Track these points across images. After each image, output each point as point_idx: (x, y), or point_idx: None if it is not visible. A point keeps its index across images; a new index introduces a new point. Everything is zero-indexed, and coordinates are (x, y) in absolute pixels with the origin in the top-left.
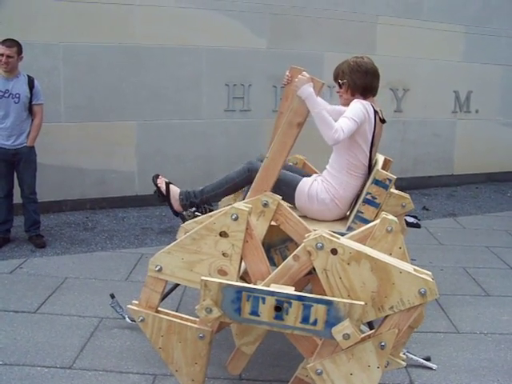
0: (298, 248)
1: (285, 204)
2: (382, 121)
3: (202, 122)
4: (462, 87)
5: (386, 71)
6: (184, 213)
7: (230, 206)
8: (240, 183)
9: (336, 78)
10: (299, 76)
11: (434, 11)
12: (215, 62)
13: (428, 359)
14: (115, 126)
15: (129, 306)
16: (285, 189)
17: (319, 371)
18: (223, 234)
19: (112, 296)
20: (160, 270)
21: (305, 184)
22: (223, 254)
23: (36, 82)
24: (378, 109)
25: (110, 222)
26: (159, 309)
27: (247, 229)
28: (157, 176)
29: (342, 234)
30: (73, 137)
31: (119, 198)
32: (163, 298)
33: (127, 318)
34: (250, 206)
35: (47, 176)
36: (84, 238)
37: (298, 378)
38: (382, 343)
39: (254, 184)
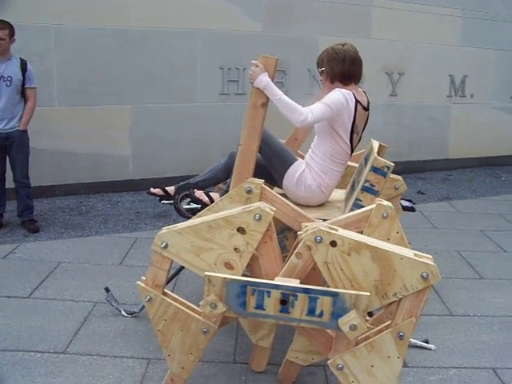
0: (299, 245)
1: (267, 188)
2: (366, 109)
3: (197, 105)
4: (458, 71)
5: (381, 55)
6: (180, 204)
7: (255, 205)
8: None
9: (318, 66)
10: (252, 68)
11: None
12: (210, 46)
13: (426, 342)
14: (109, 110)
15: (138, 282)
16: (277, 162)
17: (340, 366)
18: (241, 230)
19: (107, 290)
20: (166, 246)
21: (297, 167)
22: (235, 249)
23: (29, 65)
24: (359, 97)
25: (104, 206)
26: (166, 291)
27: (268, 230)
28: (192, 191)
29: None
30: (66, 121)
31: (113, 183)
32: (168, 280)
33: (123, 312)
34: (275, 209)
35: (40, 160)
36: (78, 222)
37: (289, 361)
38: (401, 333)
39: (234, 174)
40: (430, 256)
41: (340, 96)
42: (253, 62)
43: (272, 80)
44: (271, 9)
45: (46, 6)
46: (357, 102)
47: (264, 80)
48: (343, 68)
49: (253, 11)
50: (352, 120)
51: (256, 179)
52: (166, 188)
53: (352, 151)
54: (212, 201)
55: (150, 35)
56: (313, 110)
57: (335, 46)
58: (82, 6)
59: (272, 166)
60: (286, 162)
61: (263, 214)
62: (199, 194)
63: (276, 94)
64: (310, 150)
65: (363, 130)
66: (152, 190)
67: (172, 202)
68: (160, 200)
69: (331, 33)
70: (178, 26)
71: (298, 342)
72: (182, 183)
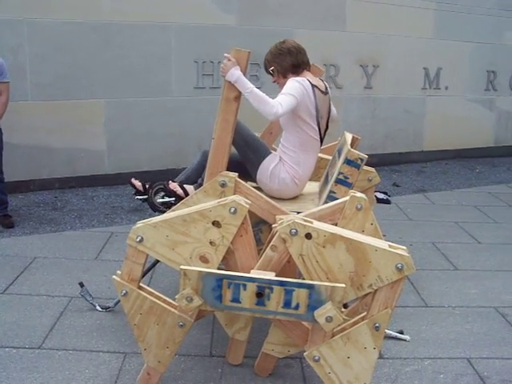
0: (274, 237)
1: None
2: (325, 93)
3: (172, 99)
4: (432, 64)
5: (355, 48)
6: (154, 198)
7: (230, 198)
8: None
9: (266, 69)
10: (224, 61)
11: None
12: (184, 39)
13: (401, 332)
14: (83, 104)
15: (113, 276)
16: (251, 155)
17: (316, 358)
18: (216, 224)
19: (81, 285)
20: (141, 240)
21: (271, 160)
22: (210, 243)
23: (1, 59)
24: (315, 82)
25: (79, 201)
26: (141, 285)
27: (243, 223)
28: (167, 182)
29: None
30: (40, 115)
31: (89, 177)
32: (143, 274)
33: (98, 307)
34: (250, 202)
35: (14, 155)
36: (53, 217)
37: (265, 354)
38: (377, 324)
39: (207, 167)
40: (405, 247)
41: (297, 83)
42: (225, 55)
43: (244, 73)
44: (245, 2)
45: (17, 0)
46: (313, 86)
47: (235, 74)
48: (291, 59)
49: (226, 4)
50: (314, 104)
51: (230, 172)
52: (147, 185)
53: (321, 138)
54: (186, 194)
55: (124, 29)
56: (281, 102)
57: (276, 44)
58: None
59: (246, 158)
60: (259, 154)
61: (238, 207)
62: (173, 186)
63: (247, 87)
64: (280, 144)
65: (328, 116)
66: (133, 180)
67: (145, 197)
68: (135, 194)
69: (306, 26)
70: (151, 19)
71: (274, 334)
72: (157, 183)
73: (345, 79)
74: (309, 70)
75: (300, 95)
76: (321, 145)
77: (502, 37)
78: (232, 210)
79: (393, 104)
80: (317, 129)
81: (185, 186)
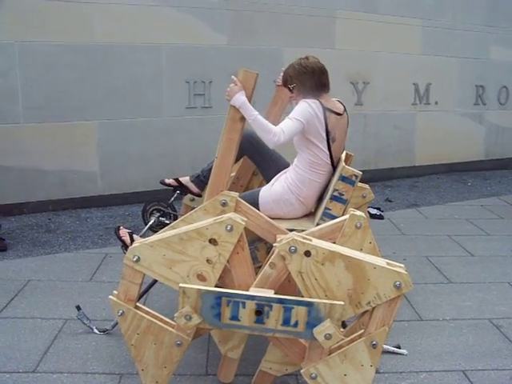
0: (273, 255)
1: (242, 201)
2: (341, 114)
3: (164, 119)
4: (421, 79)
5: (345, 65)
6: (151, 218)
7: (227, 216)
8: None
9: (285, 84)
10: (230, 85)
11: (390, 5)
12: (175, 59)
13: (398, 347)
14: (76, 126)
15: (110, 297)
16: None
17: (313, 375)
18: (212, 242)
19: (78, 308)
20: (137, 260)
21: (265, 194)
22: (207, 261)
23: None
24: (329, 105)
25: (73, 222)
26: (138, 305)
27: (240, 241)
28: (118, 228)
29: None
30: (32, 138)
31: (82, 199)
32: (142, 294)
33: (95, 330)
34: (246, 219)
35: (7, 178)
36: (47, 239)
37: (262, 371)
38: (374, 342)
39: (209, 186)
40: (403, 265)
41: (306, 106)
42: (232, 78)
43: (251, 95)
44: (236, 22)
45: (8, 23)
46: (325, 109)
47: (240, 99)
48: (314, 80)
49: (217, 24)
50: (325, 127)
51: (231, 192)
52: (180, 179)
53: (333, 161)
54: (132, 242)
55: (115, 50)
56: (284, 129)
57: (300, 60)
58: (46, 22)
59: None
60: (252, 203)
61: (234, 225)
62: (123, 233)
63: (251, 114)
64: (293, 163)
65: (345, 138)
66: (166, 180)
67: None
68: (174, 190)
69: (296, 44)
70: (142, 40)
71: (272, 352)
72: (196, 174)
73: (335, 96)
74: (327, 92)
75: (307, 118)
76: (333, 168)
77: (489, 52)
78: (228, 227)
79: (384, 120)
80: (327, 152)
81: (134, 236)
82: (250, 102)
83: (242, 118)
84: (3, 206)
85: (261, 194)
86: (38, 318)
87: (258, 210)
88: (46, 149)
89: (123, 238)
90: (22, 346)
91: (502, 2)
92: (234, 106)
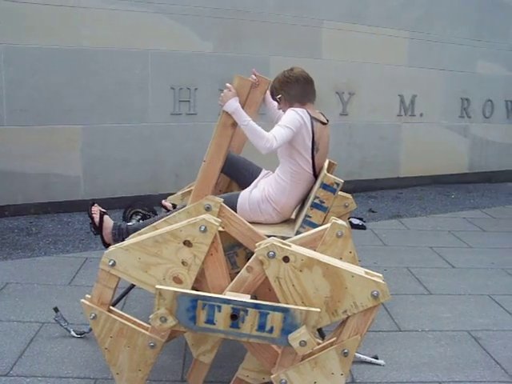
0: (251, 259)
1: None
2: (325, 124)
3: (148, 125)
4: (407, 91)
5: (331, 75)
6: (132, 221)
7: (200, 217)
8: None
9: (272, 96)
10: (225, 91)
11: (378, 16)
12: (161, 66)
13: (376, 357)
14: (59, 130)
15: (82, 300)
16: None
17: (283, 381)
18: (187, 243)
19: (56, 310)
20: (113, 264)
21: (244, 199)
22: (182, 263)
23: None
24: (315, 115)
25: (54, 226)
26: (111, 308)
27: (213, 242)
28: (92, 204)
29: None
30: (16, 141)
31: (64, 203)
32: (119, 299)
33: (72, 332)
34: (220, 220)
35: None
36: (27, 243)
37: (239, 379)
38: (345, 350)
39: (194, 189)
40: (381, 275)
41: (295, 115)
42: (227, 85)
43: (245, 102)
44: (222, 29)
45: None
46: (312, 118)
47: (233, 105)
48: (298, 88)
49: (203, 32)
50: (311, 136)
51: (216, 197)
52: (105, 217)
53: (315, 171)
54: (101, 224)
55: (101, 54)
56: (276, 136)
57: (284, 72)
58: (32, 25)
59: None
60: (231, 205)
61: (208, 226)
62: (95, 210)
63: (244, 119)
64: (277, 169)
65: (327, 150)
66: (94, 209)
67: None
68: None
69: (282, 53)
70: (128, 46)
71: (249, 360)
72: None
73: (320, 106)
74: (313, 102)
75: (297, 127)
76: (315, 178)
77: (474, 65)
78: (202, 228)
79: (369, 130)
80: (310, 162)
81: (105, 216)
82: (243, 108)
83: (234, 124)
84: None
85: (239, 199)
86: (14, 321)
87: (235, 211)
88: (29, 152)
89: (93, 215)
90: None
91: (488, 16)
92: (227, 112)
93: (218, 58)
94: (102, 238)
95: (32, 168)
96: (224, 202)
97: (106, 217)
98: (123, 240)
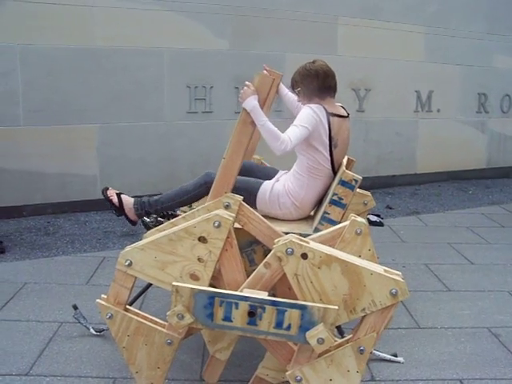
0: (269, 255)
1: (246, 204)
2: (344, 117)
3: (164, 124)
4: (423, 87)
5: (347, 71)
6: (147, 220)
7: (214, 213)
8: (196, 196)
9: (293, 88)
10: (244, 88)
11: (393, 12)
12: (176, 64)
13: (395, 355)
14: (76, 130)
15: (98, 300)
16: (245, 195)
17: (298, 378)
18: (202, 240)
19: (75, 307)
20: (130, 264)
21: (265, 189)
22: (198, 259)
23: None
24: (333, 109)
25: (71, 226)
26: (128, 307)
27: (228, 238)
28: (106, 189)
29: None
30: (32, 141)
31: (81, 202)
32: (136, 298)
33: (92, 329)
34: (234, 215)
35: (6, 181)
36: (45, 242)
37: (259, 377)
38: (361, 348)
39: (213, 186)
40: (399, 272)
41: (311, 111)
42: (246, 83)
43: (266, 99)
44: (237, 27)
45: (10, 25)
46: (328, 114)
47: (252, 103)
48: (318, 82)
49: (219, 29)
50: (328, 132)
51: (236, 195)
52: (122, 196)
53: (334, 167)
54: (121, 203)
55: (116, 54)
56: (291, 137)
57: (306, 64)
58: (47, 25)
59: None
60: (252, 192)
61: (222, 221)
62: (111, 193)
63: (261, 119)
64: (294, 164)
65: (344, 142)
66: (109, 192)
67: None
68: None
69: (298, 50)
70: (144, 45)
71: (269, 359)
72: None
73: (337, 102)
74: (333, 96)
75: (312, 125)
76: (334, 174)
77: (491, 60)
78: (216, 223)
79: (385, 127)
80: (329, 158)
81: (122, 195)
82: (263, 106)
83: (253, 122)
84: (2, 208)
85: (261, 189)
86: (33, 321)
87: (254, 200)
88: (45, 152)
89: (111, 197)
90: (16, 348)
91: (505, 10)
92: (246, 109)
93: (234, 55)
94: (126, 216)
95: (49, 168)
96: (244, 185)
97: (123, 196)
98: (146, 213)
